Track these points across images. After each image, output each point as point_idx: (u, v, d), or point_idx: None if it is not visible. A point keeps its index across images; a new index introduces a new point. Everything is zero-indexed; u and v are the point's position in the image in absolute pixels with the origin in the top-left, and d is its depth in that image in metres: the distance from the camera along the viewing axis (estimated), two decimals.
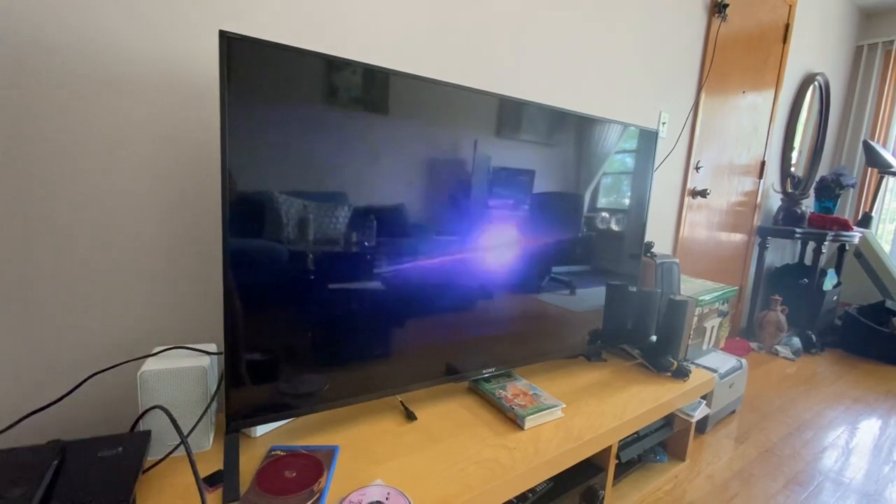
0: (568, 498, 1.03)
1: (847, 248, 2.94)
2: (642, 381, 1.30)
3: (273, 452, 0.82)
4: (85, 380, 0.81)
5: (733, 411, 1.84)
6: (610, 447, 1.10)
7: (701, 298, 1.58)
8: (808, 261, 3.06)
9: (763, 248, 2.74)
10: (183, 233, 0.96)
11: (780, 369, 2.38)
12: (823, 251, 2.56)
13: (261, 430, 0.89)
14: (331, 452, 0.83)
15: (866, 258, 2.94)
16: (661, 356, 1.36)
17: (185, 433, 0.78)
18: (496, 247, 1.07)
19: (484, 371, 1.12)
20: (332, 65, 0.79)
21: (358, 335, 0.90)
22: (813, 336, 2.63)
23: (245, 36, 0.71)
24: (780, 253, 3.11)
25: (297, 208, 0.79)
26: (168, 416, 0.69)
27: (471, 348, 1.08)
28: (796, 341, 2.59)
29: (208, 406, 0.79)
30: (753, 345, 2.64)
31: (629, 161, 1.32)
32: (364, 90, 0.83)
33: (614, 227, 1.33)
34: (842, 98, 3.28)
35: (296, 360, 0.83)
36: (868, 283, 3.01)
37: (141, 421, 0.78)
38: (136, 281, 0.92)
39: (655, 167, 1.95)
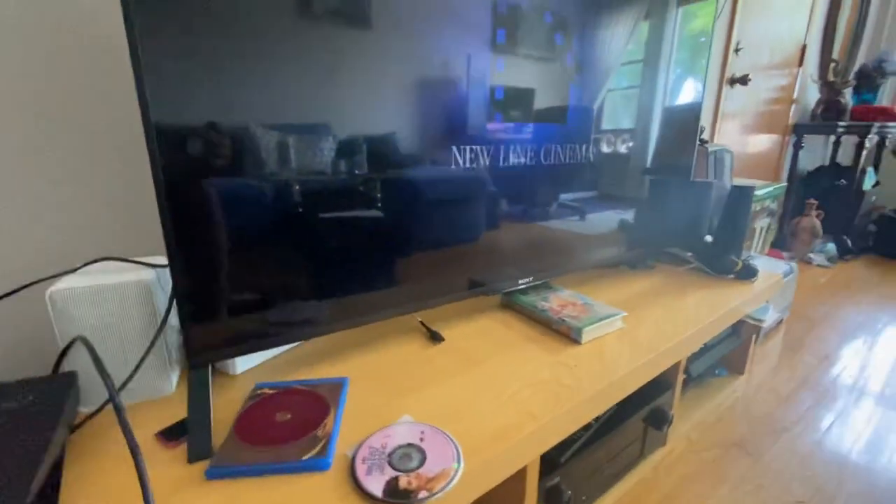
0: (633, 423, 0.84)
1: (887, 144, 2.68)
2: (703, 285, 1.09)
3: (259, 391, 0.60)
4: None
5: (781, 320, 1.67)
6: (679, 361, 0.90)
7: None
8: (841, 161, 2.81)
9: (798, 148, 2.47)
10: (106, 116, 0.69)
11: (816, 277, 2.20)
12: (867, 145, 2.30)
13: (242, 364, 0.67)
14: (337, 386, 0.62)
15: None
16: (721, 256, 1.14)
17: (127, 375, 0.55)
18: (526, 152, 0.81)
19: (520, 281, 0.89)
20: None
21: (358, 236, 0.66)
22: (849, 241, 2.44)
23: None
24: (811, 156, 2.85)
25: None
26: (89, 352, 0.46)
27: (498, 260, 0.85)
28: (831, 247, 2.40)
29: (157, 335, 0.56)
30: (785, 254, 2.45)
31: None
32: None
33: (665, 102, 1.05)
34: None
35: (279, 264, 0.59)
36: None
37: (65, 360, 0.55)
38: (51, 185, 0.66)
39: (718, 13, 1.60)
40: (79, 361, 0.55)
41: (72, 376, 0.53)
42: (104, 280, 0.55)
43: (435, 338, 0.78)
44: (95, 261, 0.60)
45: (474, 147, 0.74)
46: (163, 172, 0.48)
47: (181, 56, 0.47)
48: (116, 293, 0.54)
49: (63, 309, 0.53)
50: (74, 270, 0.59)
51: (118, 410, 0.38)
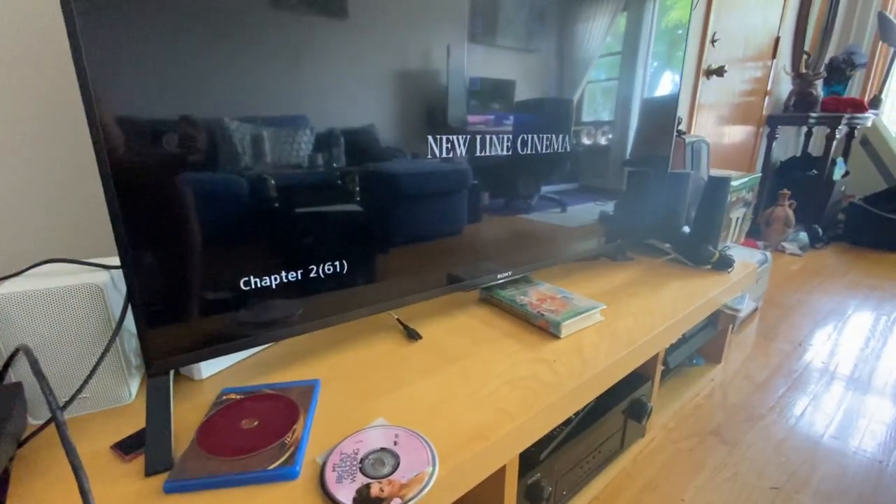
0: (613, 415, 0.84)
1: (855, 134, 2.75)
2: (681, 276, 1.09)
3: (225, 397, 0.57)
4: None
5: (756, 308, 1.70)
6: (657, 353, 0.90)
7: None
8: (812, 152, 2.87)
9: (772, 139, 2.52)
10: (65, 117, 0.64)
11: (788, 266, 2.26)
12: (838, 136, 2.36)
13: (207, 368, 0.64)
14: (309, 389, 0.60)
15: (872, 145, 2.77)
16: (699, 247, 1.15)
17: (80, 385, 0.52)
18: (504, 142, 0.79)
19: (499, 276, 0.88)
20: None
21: (331, 231, 0.63)
22: (819, 230, 2.50)
23: None
24: (784, 147, 2.91)
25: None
26: (30, 364, 0.43)
27: (478, 255, 0.83)
28: (803, 236, 2.47)
29: (110, 342, 0.52)
30: (759, 243, 2.50)
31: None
32: None
33: (642, 95, 1.05)
34: None
35: (242, 263, 0.56)
36: (870, 173, 2.86)
37: (10, 370, 0.51)
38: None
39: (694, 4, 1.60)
40: (27, 371, 0.52)
41: (17, 388, 0.49)
42: (51, 284, 0.51)
43: (412, 336, 0.76)
44: (42, 262, 0.56)
45: (451, 137, 0.72)
46: (110, 164, 0.44)
47: (129, 42, 0.44)
48: (65, 297, 0.51)
49: (6, 316, 0.49)
50: (19, 273, 0.55)
51: (59, 426, 0.35)
